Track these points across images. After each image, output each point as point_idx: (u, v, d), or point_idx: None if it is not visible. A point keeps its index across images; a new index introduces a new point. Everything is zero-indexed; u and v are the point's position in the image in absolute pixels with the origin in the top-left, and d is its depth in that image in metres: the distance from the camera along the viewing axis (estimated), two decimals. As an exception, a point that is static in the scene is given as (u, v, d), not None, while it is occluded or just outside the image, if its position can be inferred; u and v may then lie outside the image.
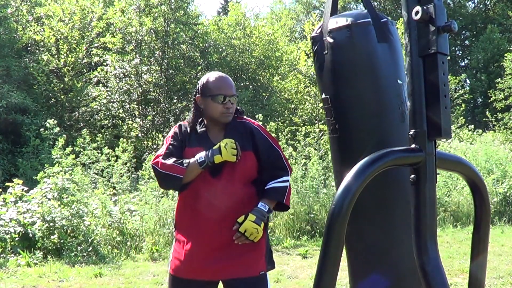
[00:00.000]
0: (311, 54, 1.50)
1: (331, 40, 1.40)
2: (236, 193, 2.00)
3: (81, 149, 7.74)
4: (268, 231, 6.71)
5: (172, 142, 2.08)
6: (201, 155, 1.97)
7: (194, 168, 1.96)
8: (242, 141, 2.03)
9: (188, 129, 2.11)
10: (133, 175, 7.72)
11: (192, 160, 1.98)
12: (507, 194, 7.84)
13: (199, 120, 2.10)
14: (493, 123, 15.03)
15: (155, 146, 12.78)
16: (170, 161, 1.99)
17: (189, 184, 2.02)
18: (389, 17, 1.48)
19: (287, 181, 2.03)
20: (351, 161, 1.30)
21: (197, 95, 2.09)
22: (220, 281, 2.07)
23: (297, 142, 8.05)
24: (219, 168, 1.99)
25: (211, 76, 2.07)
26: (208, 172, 1.99)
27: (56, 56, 12.82)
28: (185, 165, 1.97)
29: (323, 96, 1.42)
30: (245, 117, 2.17)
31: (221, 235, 1.98)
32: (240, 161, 2.00)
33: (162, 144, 2.13)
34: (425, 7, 1.07)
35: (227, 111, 2.02)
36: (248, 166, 2.03)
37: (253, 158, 2.03)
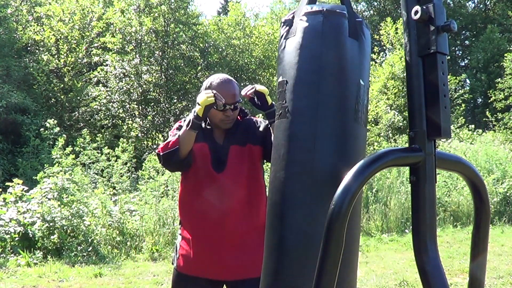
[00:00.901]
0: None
1: (302, 24, 1.38)
2: (242, 187, 1.99)
3: (81, 149, 7.75)
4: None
5: (176, 133, 2.07)
6: (187, 118, 1.97)
7: (185, 133, 1.94)
8: (246, 136, 2.03)
9: None
10: (133, 175, 7.73)
11: (182, 129, 1.98)
12: (507, 194, 7.84)
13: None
14: (493, 123, 15.03)
15: (155, 146, 12.78)
16: (166, 141, 2.02)
17: (193, 180, 2.01)
18: (366, 21, 1.49)
19: None
20: (298, 148, 1.29)
21: None
22: (225, 284, 2.06)
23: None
24: (223, 163, 1.99)
25: (215, 80, 2.05)
26: (212, 167, 1.99)
27: (56, 56, 12.82)
28: (177, 136, 1.96)
29: (280, 79, 1.41)
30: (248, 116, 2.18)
31: (227, 231, 1.96)
32: (245, 155, 2.01)
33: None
34: (424, 7, 1.07)
35: (227, 119, 2.00)
36: (253, 160, 2.02)
37: (259, 151, 2.02)
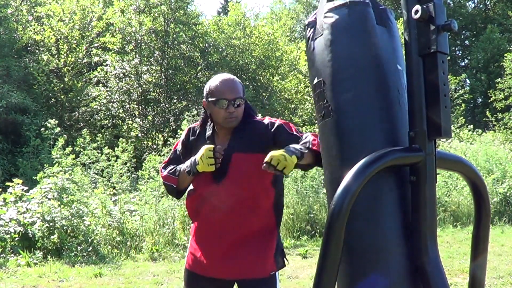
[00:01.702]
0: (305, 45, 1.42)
1: (327, 20, 1.36)
2: (242, 197, 1.96)
3: (81, 149, 7.75)
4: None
5: (177, 149, 2.12)
6: (187, 164, 1.98)
7: (184, 177, 2.01)
8: (249, 143, 1.96)
9: (196, 134, 2.10)
10: (133, 175, 7.72)
11: (182, 167, 2.01)
12: (507, 194, 7.84)
13: (208, 123, 2.07)
14: (493, 123, 15.03)
15: (155, 146, 12.78)
16: (167, 170, 2.05)
17: (194, 190, 2.04)
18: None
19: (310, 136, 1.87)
20: (350, 143, 1.26)
21: (204, 100, 2.05)
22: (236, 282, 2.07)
23: (297, 142, 8.05)
24: (222, 174, 1.95)
25: (215, 79, 2.01)
26: (212, 178, 1.97)
27: (56, 56, 12.82)
28: (176, 174, 2.02)
29: (315, 81, 1.38)
30: (258, 116, 2.11)
31: (230, 238, 1.98)
32: (244, 164, 1.95)
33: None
34: (424, 6, 1.07)
35: (230, 116, 1.94)
36: (254, 169, 1.93)
37: (259, 160, 1.88)
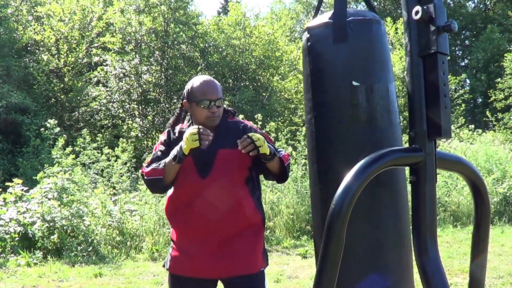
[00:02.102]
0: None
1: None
2: (228, 192, 2.01)
3: (81, 149, 7.75)
4: (268, 231, 6.68)
5: (159, 149, 2.13)
6: (173, 151, 1.99)
7: (170, 165, 1.99)
8: (234, 140, 2.01)
9: (177, 134, 2.13)
10: (133, 175, 7.72)
11: (167, 158, 2.01)
12: (507, 194, 7.84)
13: (189, 124, 2.13)
14: (493, 123, 15.03)
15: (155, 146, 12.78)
16: (151, 166, 2.05)
17: (179, 186, 2.05)
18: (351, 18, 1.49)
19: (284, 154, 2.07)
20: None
21: (184, 100, 2.12)
22: (220, 281, 2.08)
23: (297, 142, 8.04)
24: (208, 169, 2.00)
25: (196, 80, 2.09)
26: (197, 173, 2.01)
27: (56, 56, 12.82)
28: (161, 166, 2.01)
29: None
30: (237, 117, 2.20)
31: (217, 234, 2.00)
32: (229, 159, 2.01)
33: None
34: (425, 7, 1.07)
35: (213, 115, 2.03)
36: (238, 164, 2.03)
37: (244, 156, 2.01)
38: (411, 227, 1.18)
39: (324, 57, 1.47)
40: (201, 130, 1.92)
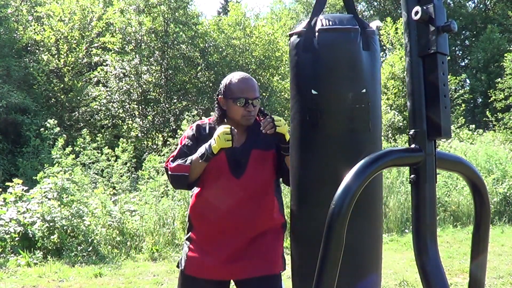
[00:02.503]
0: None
1: (319, 40, 1.48)
2: (260, 192, 1.99)
3: (81, 149, 7.75)
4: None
5: (186, 143, 2.06)
6: (201, 148, 1.95)
7: (197, 163, 1.94)
8: (265, 141, 2.00)
9: (207, 129, 2.07)
10: (133, 175, 7.73)
11: (194, 155, 1.96)
12: (507, 194, 7.84)
13: (224, 119, 2.07)
14: (493, 123, 15.03)
15: (155, 146, 12.79)
16: (177, 162, 1.99)
17: (211, 184, 2.00)
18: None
19: None
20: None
21: (220, 96, 2.06)
22: (235, 283, 2.05)
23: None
24: (242, 169, 1.97)
25: (234, 77, 2.04)
26: (231, 172, 1.97)
27: (56, 56, 12.82)
28: (187, 162, 1.96)
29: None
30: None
31: (242, 234, 1.97)
32: (262, 160, 1.99)
33: (176, 145, 2.14)
34: (424, 7, 1.07)
35: (249, 114, 1.99)
36: (270, 166, 2.01)
37: (275, 157, 2.01)
38: (411, 227, 1.18)
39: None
40: (233, 130, 1.89)
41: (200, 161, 1.93)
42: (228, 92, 2.02)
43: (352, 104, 1.38)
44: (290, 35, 1.51)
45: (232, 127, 1.91)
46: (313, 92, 1.39)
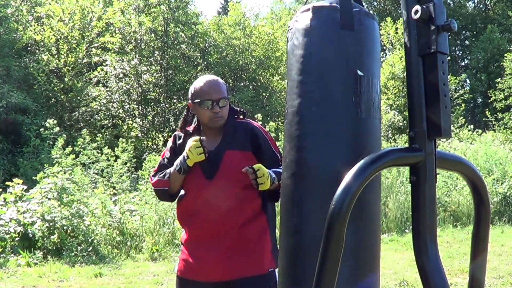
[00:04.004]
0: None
1: (296, 25, 1.42)
2: (234, 194, 1.98)
3: (81, 149, 7.75)
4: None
5: (166, 156, 2.11)
6: (177, 162, 1.98)
7: (175, 176, 1.99)
8: (242, 142, 2.01)
9: (182, 139, 2.09)
10: (133, 175, 7.73)
11: (172, 169, 2.00)
12: (507, 194, 7.84)
13: (196, 125, 2.09)
14: (493, 123, 15.04)
15: (155, 146, 12.79)
16: (157, 176, 2.05)
17: (186, 188, 2.03)
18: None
19: None
20: (292, 146, 1.31)
21: (189, 101, 2.08)
22: (229, 285, 2.06)
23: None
24: (214, 170, 1.97)
25: (199, 81, 2.05)
26: (204, 175, 1.98)
27: (56, 56, 12.83)
28: (166, 176, 2.01)
29: (286, 82, 1.43)
30: (246, 118, 2.14)
31: (223, 237, 1.97)
32: (236, 161, 1.98)
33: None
34: (424, 6, 1.07)
35: (215, 116, 1.98)
36: (243, 165, 1.97)
37: (252, 159, 2.00)
38: (411, 227, 1.18)
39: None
40: (203, 141, 1.90)
41: (178, 174, 1.98)
42: (193, 96, 2.03)
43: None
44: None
45: (202, 138, 1.92)
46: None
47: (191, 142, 1.93)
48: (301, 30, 1.33)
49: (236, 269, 1.97)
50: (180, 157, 1.97)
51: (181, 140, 2.09)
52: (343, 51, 1.29)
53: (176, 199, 2.11)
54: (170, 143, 2.13)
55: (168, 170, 2.02)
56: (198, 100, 1.99)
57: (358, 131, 1.30)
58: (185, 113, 2.15)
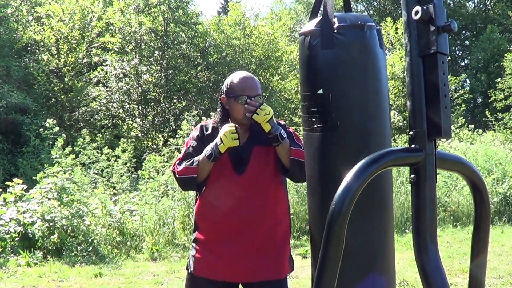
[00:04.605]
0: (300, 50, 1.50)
1: (340, 37, 1.42)
2: (262, 192, 1.97)
3: (81, 149, 7.75)
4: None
5: (191, 144, 2.07)
6: (208, 148, 1.96)
7: (205, 163, 1.96)
8: (267, 137, 1.99)
9: (210, 130, 2.08)
10: (133, 175, 7.73)
11: (201, 156, 1.97)
12: (507, 194, 7.83)
13: (227, 119, 2.08)
14: (493, 123, 15.03)
15: (155, 146, 12.79)
16: (183, 164, 2.00)
17: (213, 183, 2.00)
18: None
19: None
20: (349, 158, 1.31)
21: (222, 95, 2.08)
22: (241, 285, 2.04)
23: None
24: (243, 166, 1.97)
25: (235, 76, 2.06)
26: (233, 169, 1.97)
27: (56, 56, 12.82)
28: (195, 164, 1.97)
29: (320, 91, 1.43)
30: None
31: (247, 235, 1.95)
32: (265, 157, 1.99)
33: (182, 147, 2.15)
34: (424, 7, 1.07)
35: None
36: (272, 161, 2.00)
37: (276, 154, 1.99)
38: (411, 227, 1.18)
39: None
40: (238, 128, 1.91)
41: (207, 161, 1.94)
42: (229, 91, 2.03)
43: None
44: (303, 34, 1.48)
45: (237, 126, 1.93)
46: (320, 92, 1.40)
47: (227, 127, 1.92)
48: (353, 44, 1.41)
49: (259, 271, 1.94)
50: (212, 144, 1.95)
51: (209, 131, 2.07)
52: (382, 67, 1.45)
53: (198, 193, 2.07)
54: (196, 132, 2.10)
55: (196, 158, 1.99)
56: (234, 95, 1.99)
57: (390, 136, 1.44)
58: (220, 107, 2.10)
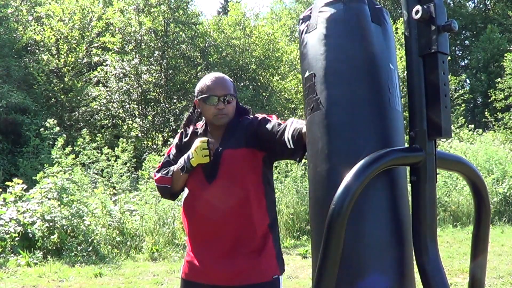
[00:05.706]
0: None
1: (323, 15, 1.36)
2: (234, 194, 1.93)
3: (81, 149, 7.75)
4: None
5: (171, 153, 2.09)
6: (181, 160, 1.96)
7: (178, 175, 1.97)
8: (238, 139, 1.95)
9: (189, 136, 2.06)
10: (133, 175, 7.73)
11: (175, 167, 1.99)
12: (507, 194, 7.84)
13: (202, 122, 2.06)
14: (493, 123, 15.04)
15: (155, 146, 12.79)
16: (160, 173, 2.03)
17: (189, 190, 2.00)
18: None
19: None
20: (337, 137, 1.24)
21: (195, 98, 2.06)
22: None
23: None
24: (214, 170, 1.94)
25: (206, 77, 2.03)
26: (203, 174, 1.95)
27: (56, 56, 12.83)
28: (170, 174, 2.00)
29: (307, 74, 1.38)
30: (250, 115, 2.08)
31: (223, 238, 1.94)
32: (234, 160, 1.94)
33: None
34: (425, 6, 1.07)
35: (220, 112, 1.94)
36: (246, 165, 1.94)
37: (246, 154, 1.94)
38: (411, 227, 1.18)
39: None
40: (210, 145, 1.87)
41: (181, 173, 1.95)
42: (199, 93, 2.00)
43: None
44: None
45: (210, 140, 1.89)
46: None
47: (198, 142, 1.89)
48: (333, 21, 1.30)
49: (240, 274, 1.92)
50: (185, 156, 1.94)
51: (187, 138, 2.05)
52: (376, 43, 1.29)
53: (182, 199, 2.07)
54: (176, 140, 2.10)
55: (172, 168, 2.00)
56: (203, 96, 1.96)
57: (394, 121, 1.28)
58: (191, 110, 2.09)
